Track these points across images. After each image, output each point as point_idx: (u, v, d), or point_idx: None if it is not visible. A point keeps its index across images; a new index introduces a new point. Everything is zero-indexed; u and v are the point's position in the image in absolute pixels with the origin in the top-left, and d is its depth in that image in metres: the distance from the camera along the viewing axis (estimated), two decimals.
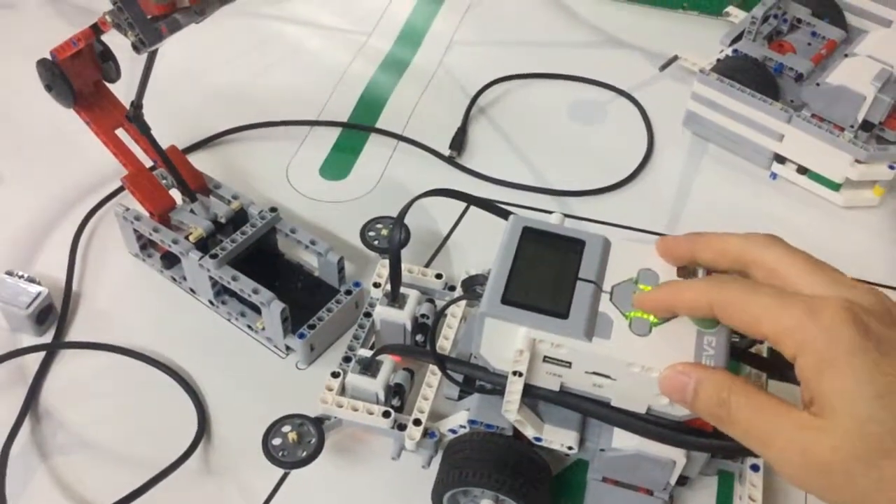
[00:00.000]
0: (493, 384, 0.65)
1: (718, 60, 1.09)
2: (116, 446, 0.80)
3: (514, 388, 0.63)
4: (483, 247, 0.83)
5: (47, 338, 0.87)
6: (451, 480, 0.69)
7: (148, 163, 0.91)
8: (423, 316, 0.79)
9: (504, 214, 0.70)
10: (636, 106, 1.15)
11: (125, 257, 0.94)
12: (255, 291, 0.82)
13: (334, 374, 0.75)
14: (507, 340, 0.61)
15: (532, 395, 0.64)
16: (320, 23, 1.29)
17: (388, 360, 0.75)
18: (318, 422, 0.74)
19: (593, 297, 0.62)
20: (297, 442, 0.72)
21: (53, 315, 0.89)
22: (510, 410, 0.65)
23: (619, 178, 1.05)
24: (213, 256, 0.84)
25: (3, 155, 1.07)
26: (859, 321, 0.49)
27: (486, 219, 0.74)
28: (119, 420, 0.82)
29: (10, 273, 0.88)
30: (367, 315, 0.81)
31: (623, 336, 0.60)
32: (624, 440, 0.66)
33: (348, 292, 0.87)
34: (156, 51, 0.76)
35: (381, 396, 0.73)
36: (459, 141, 1.09)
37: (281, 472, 0.78)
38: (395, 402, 0.74)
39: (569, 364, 0.61)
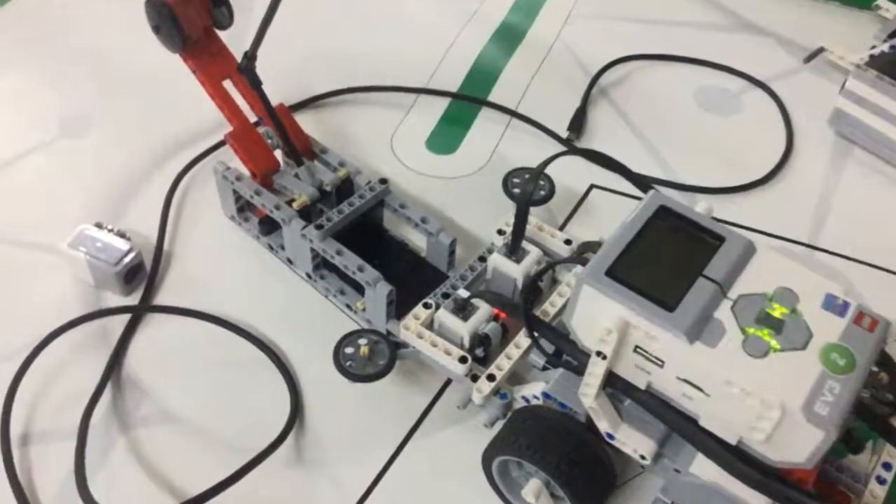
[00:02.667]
0: (578, 362, 0.60)
1: (871, 56, 0.99)
2: (201, 423, 0.74)
3: (595, 371, 0.58)
4: None
5: (134, 299, 0.82)
6: (504, 445, 0.65)
7: (253, 119, 0.84)
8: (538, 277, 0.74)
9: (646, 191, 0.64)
10: (773, 98, 1.06)
11: (220, 219, 0.89)
12: (361, 269, 0.76)
13: (426, 305, 0.72)
14: (602, 316, 0.56)
15: (615, 387, 0.59)
16: None
17: (484, 309, 0.71)
18: (396, 346, 0.72)
19: (711, 300, 0.56)
20: (367, 357, 0.71)
21: (142, 275, 0.83)
22: (587, 395, 0.60)
23: (754, 177, 0.96)
24: (318, 227, 0.77)
25: (96, 96, 1.01)
26: None
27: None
28: (205, 394, 0.76)
29: (99, 225, 0.83)
30: (482, 259, 0.78)
31: (731, 350, 0.54)
32: (704, 467, 0.59)
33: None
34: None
35: (466, 342, 0.70)
36: (579, 123, 1.01)
37: (379, 468, 0.72)
38: (479, 352, 0.71)
39: (661, 363, 0.56)
